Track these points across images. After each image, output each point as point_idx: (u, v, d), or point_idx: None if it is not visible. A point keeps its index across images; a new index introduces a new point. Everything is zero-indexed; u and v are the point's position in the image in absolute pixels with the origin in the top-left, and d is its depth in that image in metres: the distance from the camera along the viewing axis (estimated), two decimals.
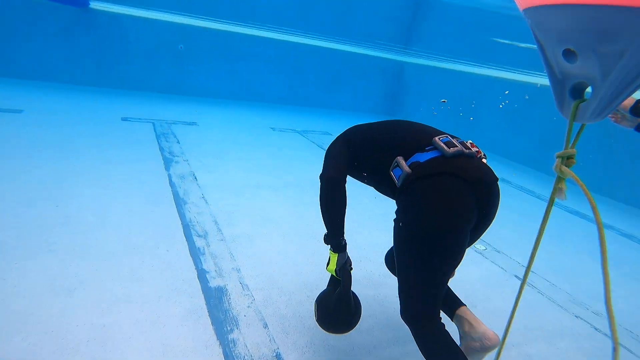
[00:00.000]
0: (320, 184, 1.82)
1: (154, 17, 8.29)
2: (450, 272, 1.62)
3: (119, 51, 8.26)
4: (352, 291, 1.90)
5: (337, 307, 1.86)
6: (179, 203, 3.74)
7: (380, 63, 10.73)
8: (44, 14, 7.59)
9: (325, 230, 1.85)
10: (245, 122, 7.55)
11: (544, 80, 7.03)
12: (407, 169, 1.57)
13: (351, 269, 1.89)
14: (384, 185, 1.80)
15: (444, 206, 1.50)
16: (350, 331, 1.98)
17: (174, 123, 6.57)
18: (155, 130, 5.96)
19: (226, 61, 9.13)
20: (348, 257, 1.88)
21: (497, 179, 1.64)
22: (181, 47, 8.68)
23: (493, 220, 1.71)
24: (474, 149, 1.66)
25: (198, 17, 8.57)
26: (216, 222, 3.48)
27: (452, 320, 1.87)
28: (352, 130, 1.97)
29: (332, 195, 1.80)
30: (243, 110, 8.50)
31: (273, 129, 7.34)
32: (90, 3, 7.86)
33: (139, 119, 6.49)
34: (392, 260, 2.00)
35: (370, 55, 10.51)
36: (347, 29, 9.92)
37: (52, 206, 3.29)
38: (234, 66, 9.22)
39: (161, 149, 5.12)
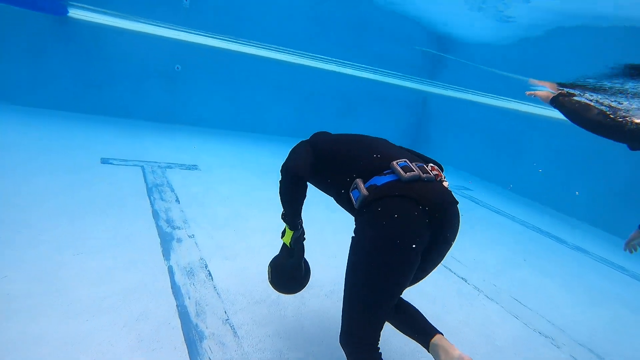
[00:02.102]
0: (281, 174, 1.88)
1: (145, 31, 6.89)
2: (396, 293, 1.63)
3: (101, 70, 6.81)
4: (304, 258, 2.12)
5: (290, 275, 2.07)
6: (193, 342, 2.31)
7: (402, 92, 9.54)
8: (11, 23, 6.12)
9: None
10: (254, 162, 6.16)
11: None
12: (364, 191, 1.66)
13: (304, 239, 2.08)
14: (343, 201, 1.88)
15: (393, 225, 1.55)
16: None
17: (169, 167, 5.14)
18: (145, 179, 4.52)
19: (228, 85, 7.76)
20: (303, 230, 2.05)
21: (455, 202, 1.71)
22: (178, 68, 7.29)
23: (453, 244, 1.76)
24: (434, 172, 1.74)
25: (196, 32, 7.21)
26: None
27: (429, 351, 1.77)
28: (319, 137, 2.02)
29: (294, 190, 1.87)
30: (248, 145, 7.11)
31: None
32: (69, 11, 6.43)
33: (124, 160, 5.03)
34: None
35: (391, 83, 9.31)
36: (365, 53, 8.70)
37: None
38: (237, 92, 7.86)
39: (155, 215, 3.69)
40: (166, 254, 3.05)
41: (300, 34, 7.95)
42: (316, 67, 8.36)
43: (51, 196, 3.60)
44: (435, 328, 1.82)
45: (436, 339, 1.75)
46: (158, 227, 3.45)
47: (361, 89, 9.06)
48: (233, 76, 7.75)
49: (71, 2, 6.41)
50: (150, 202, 3.95)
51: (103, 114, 6.97)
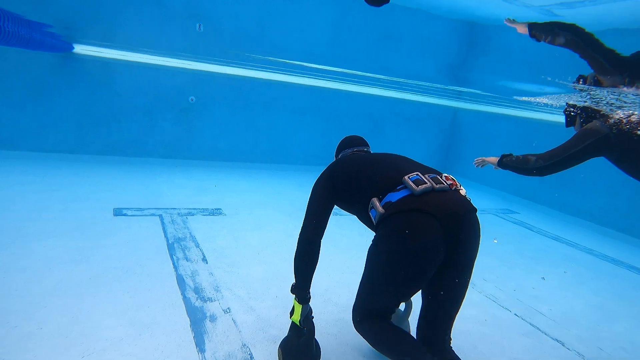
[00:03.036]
0: (298, 240, 1.98)
1: (155, 62, 6.40)
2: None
3: (109, 107, 6.30)
4: (315, 338, 2.08)
5: (302, 355, 2.01)
6: None
7: (432, 109, 8.92)
8: (12, 62, 5.66)
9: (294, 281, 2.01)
10: (283, 199, 5.53)
11: None
12: (380, 209, 1.74)
13: (312, 317, 2.07)
14: (364, 220, 1.99)
15: (404, 240, 1.64)
16: None
17: (189, 213, 4.53)
18: (165, 232, 3.91)
19: (245, 114, 7.21)
20: (310, 307, 2.05)
21: (473, 209, 1.76)
22: (192, 100, 6.75)
23: (476, 249, 1.79)
24: (449, 182, 1.79)
25: (210, 61, 6.69)
26: None
27: None
28: (337, 165, 2.09)
29: (307, 254, 1.96)
30: (273, 178, 6.51)
31: None
32: (74, 47, 5.96)
33: (139, 209, 4.44)
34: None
35: (419, 101, 8.70)
36: (389, 71, 8.11)
37: None
38: (256, 120, 7.29)
39: (180, 282, 3.05)
40: (199, 342, 2.40)
41: (323, 49, 7.40)
42: (339, 89, 7.79)
43: (55, 268, 2.99)
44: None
45: None
46: (185, 301, 2.81)
47: (388, 107, 8.46)
48: (251, 104, 7.20)
49: (76, 38, 5.95)
50: (173, 264, 3.32)
51: (113, 154, 6.43)
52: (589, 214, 6.61)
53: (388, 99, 8.36)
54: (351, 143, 2.39)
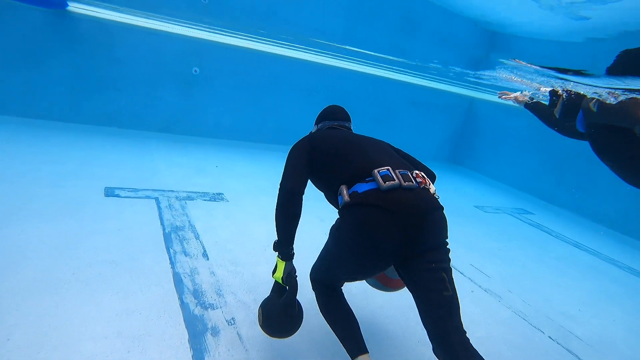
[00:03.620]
0: (278, 192, 1.94)
1: (157, 28, 5.88)
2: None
3: (106, 74, 5.80)
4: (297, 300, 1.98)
5: (282, 314, 1.93)
6: None
7: (447, 97, 8.46)
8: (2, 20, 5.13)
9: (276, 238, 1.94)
10: None
11: None
12: (346, 197, 1.77)
13: (296, 275, 1.96)
14: (331, 200, 2.02)
15: (364, 233, 1.68)
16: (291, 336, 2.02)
17: (189, 197, 4.12)
18: (161, 219, 3.50)
19: (252, 90, 6.73)
20: (293, 265, 1.97)
21: (439, 207, 1.77)
22: (195, 71, 6.26)
23: (442, 238, 1.76)
24: (418, 179, 1.78)
25: (217, 30, 6.17)
26: None
27: None
28: (318, 139, 2.08)
29: (289, 206, 1.90)
30: (278, 160, 6.01)
31: None
32: (68, 4, 5.42)
33: (134, 189, 4.03)
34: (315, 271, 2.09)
35: (435, 88, 8.24)
36: (406, 54, 7.62)
37: None
38: (262, 97, 6.82)
39: (177, 283, 2.67)
40: None
41: (334, 30, 6.88)
42: (350, 69, 7.30)
43: (34, 257, 2.59)
44: (365, 346, 1.88)
45: (365, 357, 1.82)
46: (183, 307, 2.42)
47: (400, 91, 7.99)
48: (258, 80, 6.72)
49: None
50: (170, 259, 2.92)
51: (107, 125, 5.97)
52: (609, 220, 6.27)
53: (401, 83, 7.89)
54: (334, 115, 2.37)
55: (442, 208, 1.79)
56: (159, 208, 3.73)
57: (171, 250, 3.04)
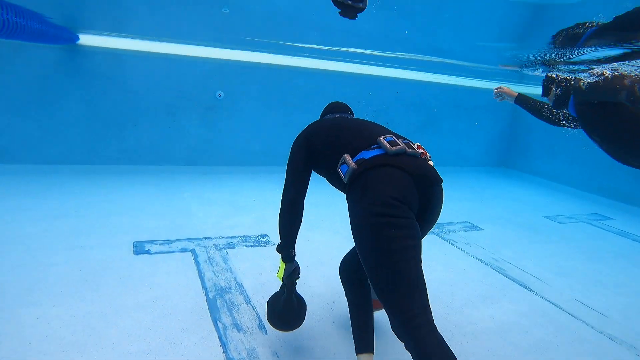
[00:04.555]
0: (281, 201, 2.00)
1: (173, 52, 5.36)
2: (409, 258, 1.48)
3: (122, 109, 5.31)
4: (298, 295, 2.13)
5: (283, 310, 2.07)
6: None
7: (489, 97, 7.70)
8: (9, 62, 4.70)
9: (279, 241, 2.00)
10: (337, 217, 4.46)
11: None
12: (352, 164, 1.66)
13: (298, 277, 2.08)
14: (333, 179, 1.88)
15: (386, 187, 1.53)
16: (294, 330, 2.15)
17: (229, 245, 3.51)
18: (201, 279, 2.89)
19: (280, 109, 6.14)
20: (297, 265, 2.07)
21: (440, 180, 1.70)
22: (220, 95, 5.72)
23: (436, 218, 1.75)
24: (420, 150, 1.75)
25: (237, 47, 5.63)
26: None
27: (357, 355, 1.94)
28: (314, 128, 2.05)
29: (291, 214, 1.98)
30: (319, 185, 5.44)
31: None
32: (79, 38, 4.96)
33: (166, 241, 3.44)
34: (346, 270, 2.10)
35: (475, 87, 7.51)
36: (444, 53, 6.93)
37: None
38: (293, 116, 6.22)
39: None
40: None
41: (370, 31, 6.25)
42: (388, 77, 6.66)
43: (53, 351, 1.99)
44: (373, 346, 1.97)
45: (366, 356, 1.91)
46: None
47: (441, 95, 7.31)
48: (288, 97, 6.13)
49: (81, 28, 4.96)
50: (220, 338, 2.29)
51: (128, 163, 5.47)
52: None
53: (440, 86, 7.20)
54: (339, 108, 2.34)
55: (442, 181, 1.72)
56: (197, 263, 3.12)
57: (219, 325, 2.41)
